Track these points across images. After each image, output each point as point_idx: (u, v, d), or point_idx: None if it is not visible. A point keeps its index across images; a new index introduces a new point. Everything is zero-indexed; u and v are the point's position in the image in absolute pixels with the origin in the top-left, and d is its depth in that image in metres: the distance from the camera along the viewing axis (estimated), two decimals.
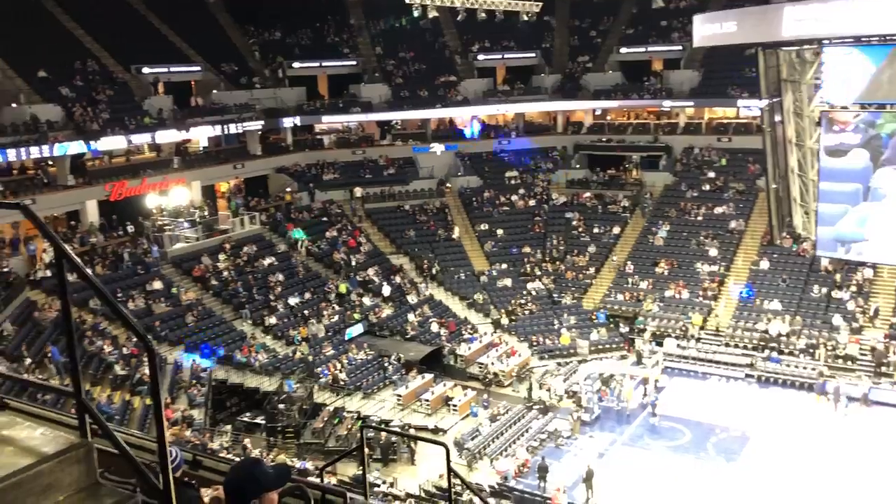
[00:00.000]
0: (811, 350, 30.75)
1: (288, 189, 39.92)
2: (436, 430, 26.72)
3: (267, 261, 34.31)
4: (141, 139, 35.48)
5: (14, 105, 31.91)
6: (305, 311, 32.41)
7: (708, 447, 25.63)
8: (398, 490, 21.46)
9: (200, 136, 38.80)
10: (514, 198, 42.15)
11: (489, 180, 43.30)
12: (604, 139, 45.11)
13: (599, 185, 42.79)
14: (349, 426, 25.70)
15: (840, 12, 25.66)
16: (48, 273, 27.62)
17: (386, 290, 35.25)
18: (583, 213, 41.20)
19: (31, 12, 36.45)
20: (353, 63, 46.37)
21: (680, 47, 44.74)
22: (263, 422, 26.05)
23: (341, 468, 21.13)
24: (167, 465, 2.66)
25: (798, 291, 33.68)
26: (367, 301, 34.45)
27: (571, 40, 48.93)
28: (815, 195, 30.71)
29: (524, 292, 36.85)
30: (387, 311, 34.29)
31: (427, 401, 28.39)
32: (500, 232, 40.28)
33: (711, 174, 40.77)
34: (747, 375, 30.54)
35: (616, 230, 39.79)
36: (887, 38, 25.65)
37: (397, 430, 25.01)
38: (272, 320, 31.25)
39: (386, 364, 30.39)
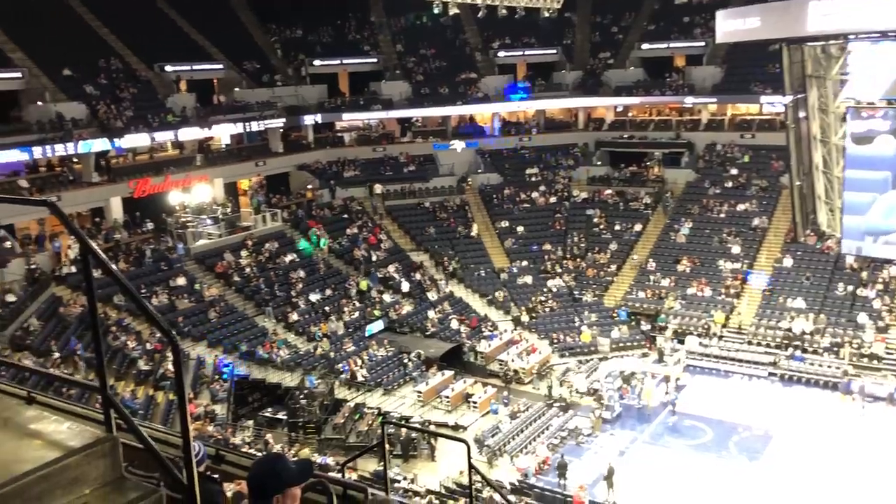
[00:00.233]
0: (836, 349, 30.40)
1: (309, 186, 40.10)
2: (456, 427, 26.74)
3: (288, 257, 34.51)
4: (164, 137, 35.80)
5: (40, 103, 32.31)
6: (326, 308, 32.57)
7: (730, 446, 25.43)
8: (418, 486, 21.51)
9: (223, 133, 39.08)
10: (534, 195, 42.04)
11: (510, 177, 43.21)
12: (625, 136, 44.82)
13: (621, 181, 42.55)
14: (370, 422, 25.79)
15: (866, 6, 25.31)
16: (73, 269, 27.96)
17: (405, 286, 35.31)
18: (604, 210, 40.99)
19: (57, 11, 36.88)
20: (374, 60, 46.45)
21: (702, 43, 44.37)
22: (285, 417, 26.19)
23: (362, 464, 21.20)
24: (191, 460, 2.68)
25: (822, 289, 33.31)
26: (387, 298, 34.55)
27: (593, 36, 48.68)
28: (840, 192, 30.34)
29: (545, 289, 36.76)
30: (407, 308, 34.36)
31: (447, 397, 28.43)
32: (520, 229, 40.19)
33: (734, 171, 40.40)
34: (770, 374, 30.26)
35: (638, 227, 39.55)
36: None
37: (418, 426, 25.07)
38: (294, 317, 31.42)
39: (406, 361, 30.47)
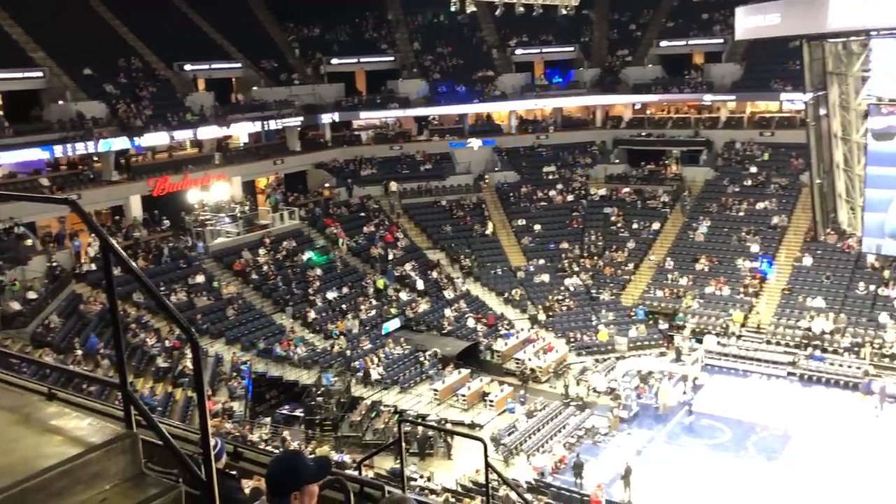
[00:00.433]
0: (856, 348, 30.10)
1: (326, 185, 40.23)
2: (472, 426, 26.74)
3: (306, 255, 34.63)
4: (183, 135, 36.05)
5: (61, 102, 32.64)
6: (343, 306, 32.66)
7: (748, 446, 25.25)
8: (435, 484, 21.53)
9: (241, 132, 39.30)
10: (551, 193, 41.93)
11: (527, 175, 43.12)
12: (643, 133, 44.58)
13: (639, 180, 42.34)
14: (386, 420, 25.85)
15: (888, 2, 25.00)
16: (93, 267, 28.22)
17: (420, 284, 35.33)
18: (622, 208, 40.81)
19: (78, 11, 37.24)
20: (391, 59, 46.51)
21: (721, 40, 44.06)
22: (302, 415, 26.31)
23: (378, 461, 21.27)
24: (210, 456, 2.70)
25: (843, 288, 32.99)
26: (403, 296, 34.59)
27: (610, 34, 48.45)
28: (861, 190, 30.04)
29: (562, 288, 36.66)
30: (423, 306, 34.39)
31: (463, 396, 28.44)
32: (537, 227, 40.10)
33: (753, 169, 40.09)
34: (789, 374, 30.00)
35: (655, 226, 39.34)
36: None
37: (434, 424, 25.09)
38: (311, 314, 31.53)
39: (422, 359, 30.49)
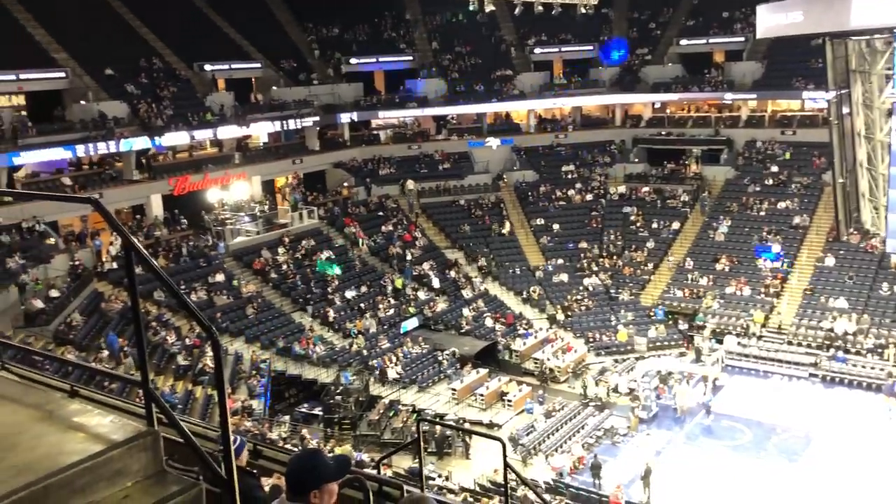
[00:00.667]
0: (880, 350, 29.74)
1: (345, 184, 40.35)
2: (491, 425, 26.72)
3: (325, 254, 34.75)
4: (203, 135, 36.29)
5: (83, 102, 32.97)
6: (362, 305, 32.74)
7: (769, 447, 25.03)
8: (453, 483, 21.54)
9: (260, 131, 39.50)
10: (570, 192, 41.78)
11: (545, 174, 43.00)
12: (663, 132, 44.31)
13: (658, 179, 42.08)
14: (404, 419, 25.88)
15: None
16: (115, 265, 28.48)
17: (436, 283, 35.34)
18: (641, 207, 40.59)
19: (100, 12, 37.60)
20: (410, 58, 46.55)
21: (742, 38, 43.72)
22: (321, 413, 26.42)
23: (396, 460, 21.28)
24: (230, 454, 2.71)
25: (865, 289, 32.61)
26: (421, 295, 34.62)
27: (630, 32, 48.20)
28: (885, 189, 29.64)
29: (580, 288, 36.52)
30: (441, 306, 34.40)
31: (482, 395, 28.41)
32: (556, 227, 39.97)
33: (775, 168, 39.73)
34: (811, 375, 29.72)
35: (675, 225, 39.09)
36: None
37: (453, 424, 25.08)
38: (330, 313, 31.64)
39: (440, 358, 30.50)
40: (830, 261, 34.21)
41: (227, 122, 36.55)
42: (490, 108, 44.93)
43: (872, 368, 29.08)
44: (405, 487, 4.41)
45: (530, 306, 35.88)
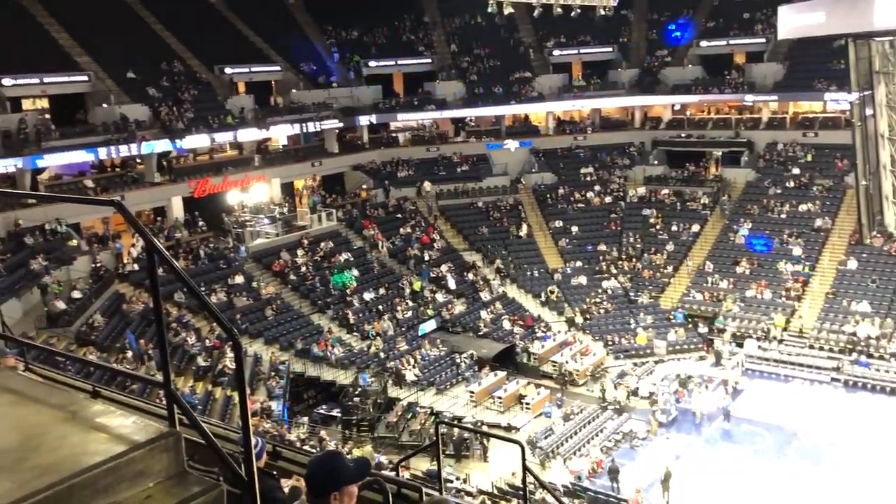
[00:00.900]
0: None
1: (364, 186, 40.46)
2: (509, 428, 26.66)
3: (343, 256, 34.86)
4: (223, 138, 36.56)
5: (105, 105, 33.33)
6: (380, 307, 32.80)
7: (790, 452, 24.78)
8: (471, 486, 21.50)
9: (280, 134, 39.73)
10: (589, 194, 41.62)
11: (564, 177, 42.88)
12: (683, 135, 44.05)
13: (678, 181, 41.82)
14: (422, 421, 25.89)
15: None
16: (136, 266, 28.73)
17: (452, 284, 35.32)
18: (661, 210, 40.34)
19: (122, 16, 37.99)
20: (429, 61, 46.62)
21: (763, 40, 43.41)
22: (339, 414, 26.49)
23: (414, 463, 21.30)
24: (252, 456, 2.72)
25: (889, 293, 32.21)
26: (439, 297, 34.63)
27: (650, 34, 47.99)
28: None
29: (599, 290, 36.36)
30: (459, 308, 34.39)
31: (500, 398, 28.35)
32: (574, 229, 39.84)
33: (796, 170, 39.36)
34: (833, 379, 29.38)
35: (695, 228, 38.81)
36: None
37: (472, 427, 25.06)
38: (348, 315, 31.72)
39: (458, 360, 30.48)
40: (853, 264, 33.83)
41: (247, 125, 36.80)
42: (508, 110, 44.90)
43: None
44: (424, 490, 4.40)
45: (548, 309, 35.77)
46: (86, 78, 33.89)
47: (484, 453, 24.92)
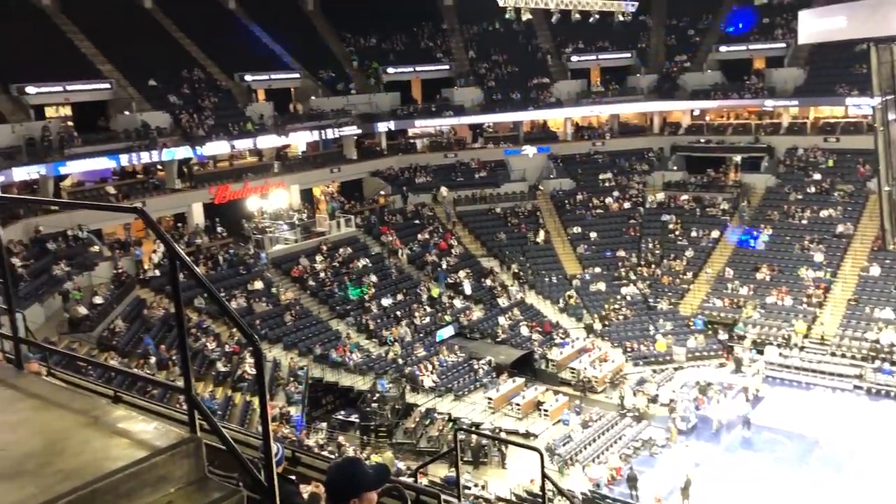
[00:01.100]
0: None
1: (382, 192, 40.57)
2: (527, 435, 26.57)
3: (361, 262, 34.95)
4: (243, 144, 36.81)
5: (126, 113, 33.67)
6: (398, 313, 32.83)
7: (811, 460, 24.50)
8: (489, 493, 21.42)
9: (299, 141, 39.95)
10: (608, 200, 41.47)
11: (582, 182, 42.76)
12: (702, 140, 43.82)
13: (698, 187, 41.56)
14: (440, 427, 25.86)
15: None
16: (157, 272, 28.98)
17: (467, 289, 35.29)
18: (680, 216, 40.10)
19: (144, 25, 38.44)
20: (447, 67, 46.71)
21: (783, 45, 43.13)
22: (357, 420, 26.53)
23: (432, 469, 21.26)
24: (272, 462, 2.74)
25: None
26: (457, 303, 34.61)
27: (668, 39, 47.83)
28: None
29: (618, 297, 36.18)
30: (477, 314, 34.34)
31: (518, 405, 28.26)
32: (593, 235, 39.69)
33: (817, 176, 39.01)
34: (856, 387, 29.04)
35: (715, 234, 38.54)
36: None
37: (490, 434, 25.00)
38: (366, 321, 31.80)
39: (476, 367, 30.43)
40: (876, 270, 33.45)
41: (267, 132, 37.04)
42: (526, 116, 44.88)
43: None
44: (442, 497, 4.40)
45: (567, 315, 35.64)
46: (108, 86, 34.29)
47: (502, 460, 24.86)
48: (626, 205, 41.31)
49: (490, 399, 28.41)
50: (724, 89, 43.36)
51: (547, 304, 36.30)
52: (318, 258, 34.45)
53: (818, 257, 35.10)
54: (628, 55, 46.97)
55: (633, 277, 37.44)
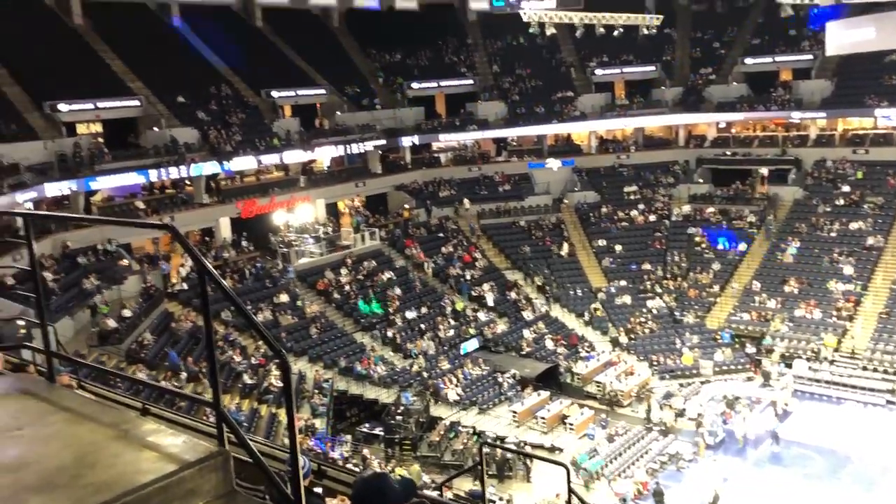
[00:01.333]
0: None
1: (406, 206, 40.72)
2: (552, 449, 26.38)
3: (386, 275, 35.05)
4: (270, 159, 37.15)
5: (156, 129, 34.17)
6: (422, 325, 32.85)
7: (842, 476, 24.04)
8: None
9: (325, 155, 40.24)
10: (633, 213, 41.25)
11: (607, 195, 42.59)
12: (728, 152, 43.49)
13: (724, 199, 41.21)
14: (465, 441, 25.78)
15: None
16: (184, 286, 29.28)
17: (490, 300, 35.21)
18: (706, 228, 39.76)
19: (172, 42, 39.06)
20: (470, 82, 46.89)
21: (810, 56, 42.77)
22: (382, 433, 26.52)
23: (457, 483, 21.19)
24: (298, 475, 2.77)
25: None
26: (481, 316, 34.55)
27: (693, 52, 47.64)
28: None
29: (644, 310, 35.91)
30: (501, 327, 34.25)
31: (543, 418, 28.09)
32: (618, 248, 39.48)
33: (846, 188, 38.52)
34: (888, 402, 28.50)
35: (742, 246, 38.15)
36: None
37: (515, 448, 24.86)
38: (390, 333, 31.86)
39: (501, 380, 30.33)
40: None
41: (293, 147, 37.36)
42: (550, 129, 44.86)
43: None
44: None
45: (592, 328, 35.43)
46: (138, 103, 34.82)
47: (527, 474, 24.70)
48: (652, 217, 41.06)
49: (515, 412, 28.27)
50: (750, 101, 43.05)
51: (572, 317, 36.12)
52: (343, 271, 34.61)
53: (848, 270, 34.60)
54: (653, 68, 46.82)
55: (659, 290, 37.14)
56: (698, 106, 44.15)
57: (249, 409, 24.42)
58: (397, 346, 31.47)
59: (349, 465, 19.91)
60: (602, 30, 37.90)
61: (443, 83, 46.73)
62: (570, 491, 5.59)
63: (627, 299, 36.57)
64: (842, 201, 38.03)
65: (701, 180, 42.85)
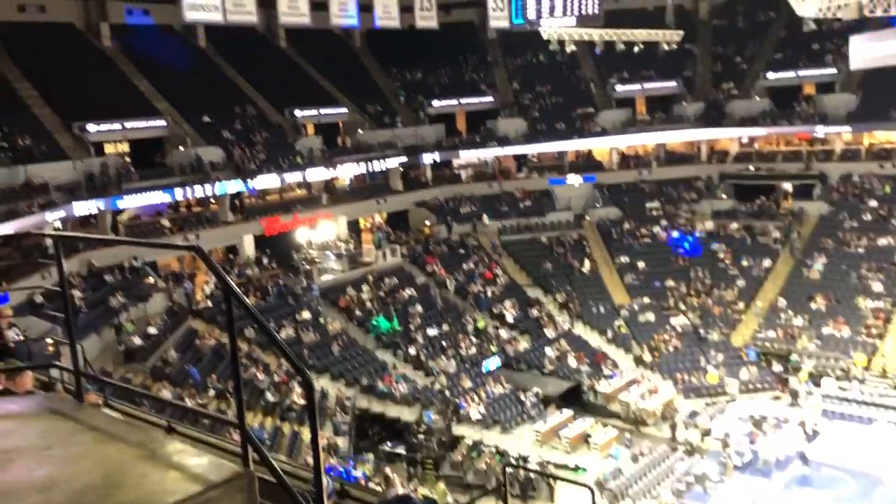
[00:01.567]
0: None
1: (427, 223, 40.82)
2: (576, 469, 26.12)
3: (407, 292, 35.08)
4: (293, 178, 37.51)
5: (181, 148, 34.64)
6: (444, 343, 32.79)
7: (875, 498, 23.56)
8: None
9: (346, 173, 40.55)
10: (655, 229, 41.01)
11: (629, 211, 42.40)
12: (751, 168, 43.17)
13: (748, 215, 40.87)
14: (487, 460, 25.61)
15: None
16: (209, 304, 29.52)
17: (509, 317, 35.08)
18: (730, 244, 39.43)
19: (198, 63, 39.65)
20: (490, 99, 47.08)
21: (834, 70, 42.42)
22: (404, 452, 26.43)
23: (479, 501, 21.07)
24: (322, 495, 2.78)
25: None
26: (503, 333, 34.41)
27: (715, 67, 47.49)
28: None
29: (668, 327, 35.59)
30: (523, 345, 34.08)
31: (566, 438, 27.84)
32: (641, 264, 39.22)
33: (873, 203, 38.06)
34: None
35: (766, 263, 37.75)
36: None
37: (539, 469, 24.65)
38: (412, 351, 31.83)
39: (523, 398, 30.14)
40: None
41: (316, 165, 37.69)
42: (571, 145, 44.85)
43: None
44: None
45: (615, 346, 35.15)
46: (164, 123, 35.36)
47: (550, 493, 24.48)
48: (675, 234, 40.78)
49: (538, 432, 28.04)
50: (773, 116, 42.77)
51: (595, 335, 35.87)
52: (365, 288, 34.69)
53: (877, 287, 34.10)
54: (674, 84, 46.70)
55: (683, 307, 36.80)
56: (720, 121, 43.95)
57: (272, 427, 24.47)
58: (419, 363, 31.42)
59: (371, 484, 19.85)
60: (622, 46, 37.93)
61: (463, 101, 46.96)
62: None
63: (651, 316, 36.26)
64: (869, 216, 37.58)
65: (724, 196, 42.56)
